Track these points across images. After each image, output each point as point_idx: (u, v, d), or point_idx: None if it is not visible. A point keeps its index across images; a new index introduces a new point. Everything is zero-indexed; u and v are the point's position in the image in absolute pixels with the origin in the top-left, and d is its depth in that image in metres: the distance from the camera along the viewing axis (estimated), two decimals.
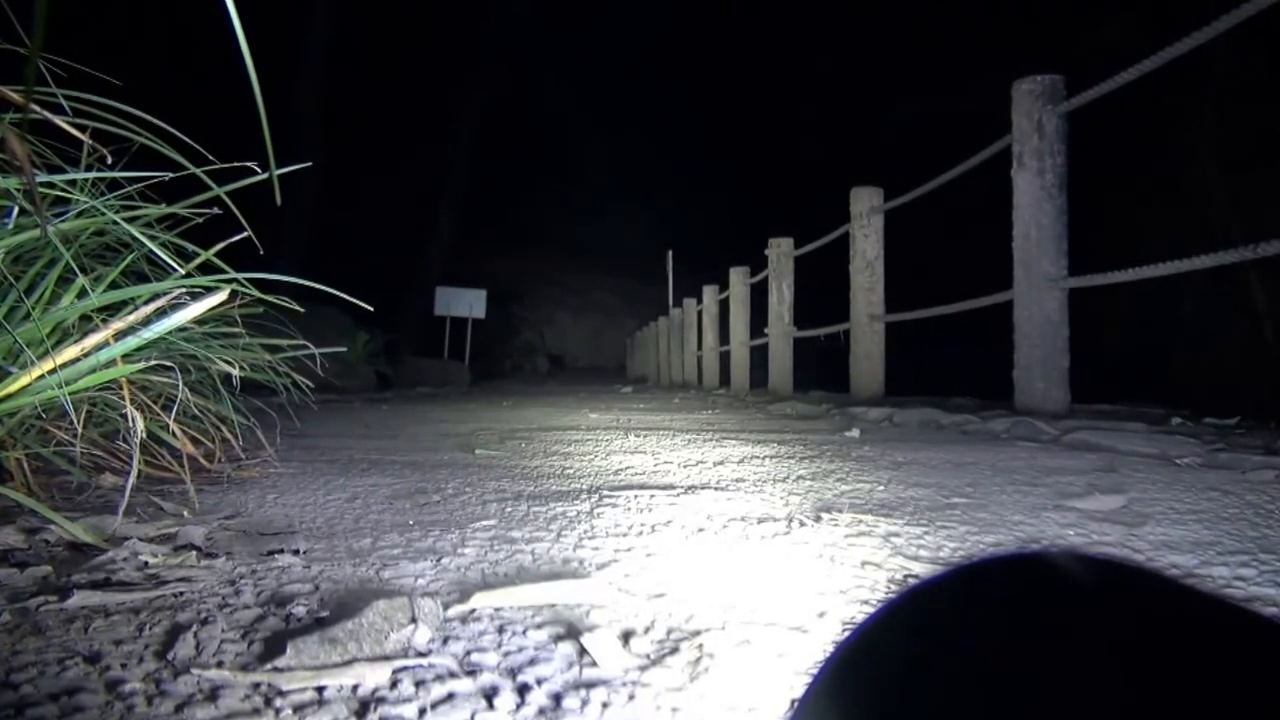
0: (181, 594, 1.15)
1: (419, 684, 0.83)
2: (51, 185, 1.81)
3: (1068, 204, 3.95)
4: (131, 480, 1.59)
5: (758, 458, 2.74)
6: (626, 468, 2.52)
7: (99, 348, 1.61)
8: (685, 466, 2.53)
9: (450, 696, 0.80)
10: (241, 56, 1.00)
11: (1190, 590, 0.32)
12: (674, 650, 0.93)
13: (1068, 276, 3.89)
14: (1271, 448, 2.64)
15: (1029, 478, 2.17)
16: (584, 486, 2.13)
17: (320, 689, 0.81)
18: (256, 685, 0.82)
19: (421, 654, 0.91)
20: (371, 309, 1.89)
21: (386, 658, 0.88)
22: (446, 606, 1.06)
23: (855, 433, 3.61)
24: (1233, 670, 0.28)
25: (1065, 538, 1.51)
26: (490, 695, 0.81)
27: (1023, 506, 1.78)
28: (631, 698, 0.81)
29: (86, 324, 1.85)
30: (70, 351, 1.58)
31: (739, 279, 9.71)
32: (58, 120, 1.52)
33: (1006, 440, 3.16)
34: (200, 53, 12.92)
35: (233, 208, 1.85)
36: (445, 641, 0.95)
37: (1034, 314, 3.93)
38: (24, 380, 1.57)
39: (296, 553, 1.39)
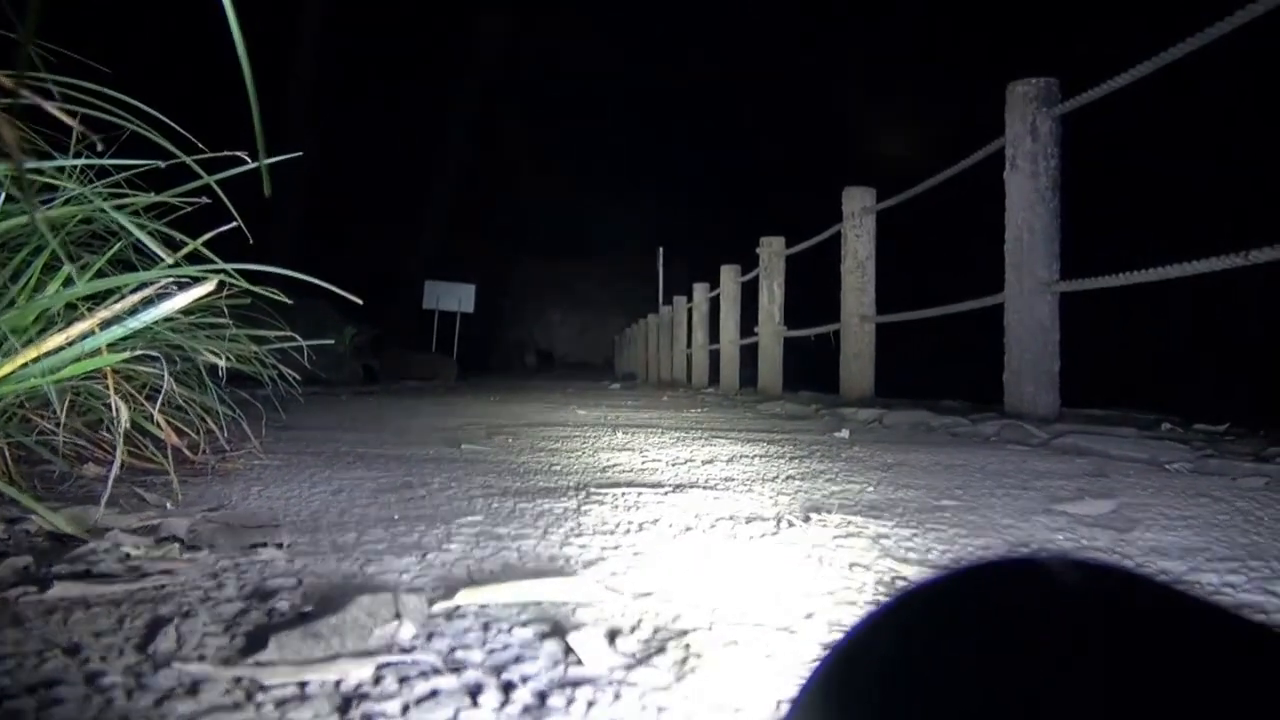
0: (163, 586, 1.13)
1: (402, 680, 0.82)
2: (39, 171, 1.79)
3: (1061, 207, 3.96)
4: (114, 471, 1.57)
5: (746, 457, 2.73)
6: (614, 465, 2.51)
7: (84, 336, 1.59)
8: (673, 465, 2.53)
9: (434, 693, 0.79)
10: (234, 44, 0.99)
11: (1179, 596, 0.32)
12: (660, 650, 0.92)
13: (1059, 280, 3.90)
14: (1261, 455, 2.65)
15: (1019, 481, 2.17)
16: (571, 483, 2.12)
17: (303, 684, 0.80)
18: (238, 679, 0.81)
19: (405, 650, 0.90)
20: (360, 302, 1.88)
21: (370, 653, 0.87)
22: (431, 603, 1.05)
23: (845, 433, 3.61)
24: (1220, 676, 0.28)
25: (1055, 542, 1.51)
26: (474, 692, 0.80)
27: (1012, 510, 1.78)
28: (617, 697, 0.80)
29: (72, 312, 1.83)
30: (55, 340, 1.56)
31: (729, 277, 9.71)
32: (47, 106, 1.50)
33: (996, 443, 3.17)
34: (192, 40, 12.85)
35: (223, 197, 1.83)
36: (429, 638, 0.94)
37: (1025, 318, 3.94)
38: (7, 368, 1.55)
39: (280, 546, 1.37)
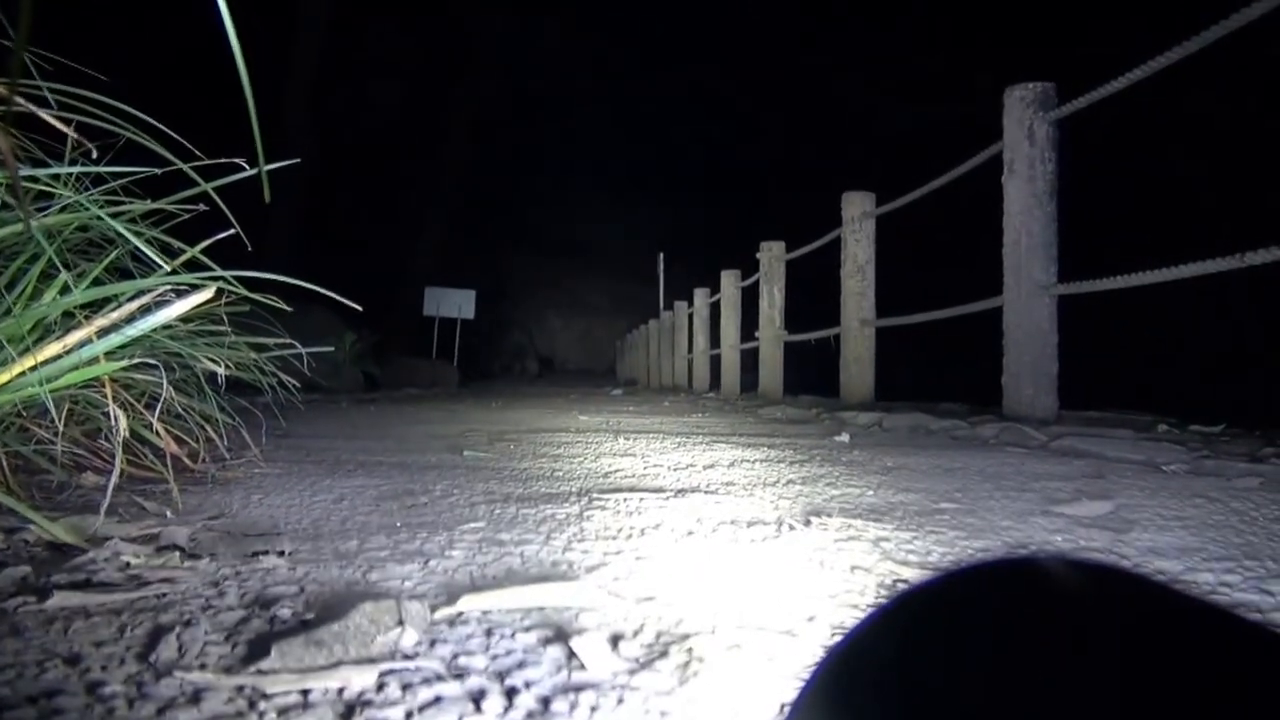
0: (164, 595, 1.13)
1: (406, 687, 0.82)
2: (35, 179, 1.79)
3: (1058, 211, 3.96)
4: (114, 479, 1.57)
5: (747, 461, 2.73)
6: (616, 470, 2.51)
7: (81, 345, 1.59)
8: (675, 470, 2.53)
9: (437, 700, 0.79)
10: (232, 52, 0.99)
11: (1176, 596, 0.32)
12: (663, 654, 0.92)
13: (1057, 284, 3.90)
14: (1256, 455, 2.65)
15: (1017, 483, 2.17)
16: (573, 489, 2.12)
17: (305, 692, 0.80)
18: (240, 688, 0.81)
19: (408, 657, 0.90)
20: (360, 309, 1.88)
21: (373, 660, 0.87)
22: (434, 609, 1.05)
23: (845, 437, 3.61)
24: (1218, 674, 0.28)
25: (1053, 543, 1.51)
26: (478, 698, 0.80)
27: (1011, 512, 1.78)
28: (620, 701, 0.80)
29: (69, 320, 1.83)
30: (52, 348, 1.56)
31: (730, 282, 9.71)
32: (43, 114, 1.50)
33: (995, 446, 3.17)
34: (190, 42, 12.84)
35: (220, 204, 1.83)
36: (432, 644, 0.94)
37: (1023, 321, 3.94)
38: (4, 377, 1.55)
39: (282, 554, 1.37)
